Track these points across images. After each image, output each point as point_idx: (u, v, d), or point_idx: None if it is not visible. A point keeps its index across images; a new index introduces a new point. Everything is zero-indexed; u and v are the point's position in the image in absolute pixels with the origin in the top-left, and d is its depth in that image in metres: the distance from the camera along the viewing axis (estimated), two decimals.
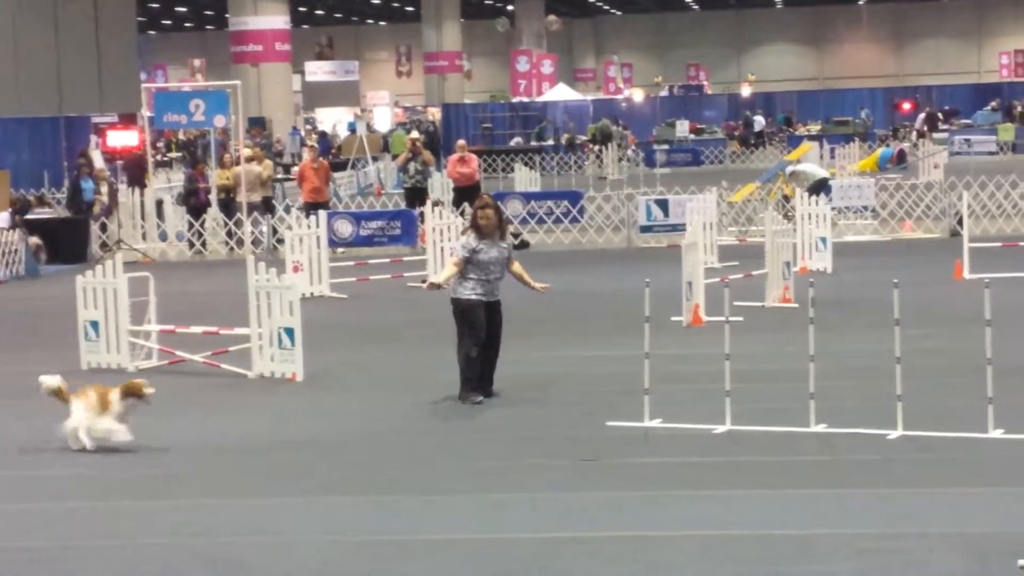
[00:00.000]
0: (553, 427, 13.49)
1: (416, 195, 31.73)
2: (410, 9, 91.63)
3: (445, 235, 24.84)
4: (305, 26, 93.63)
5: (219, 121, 33.63)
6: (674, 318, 19.06)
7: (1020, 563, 8.94)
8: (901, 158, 48.67)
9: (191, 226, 31.81)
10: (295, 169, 43.83)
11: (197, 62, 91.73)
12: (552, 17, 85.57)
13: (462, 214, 28.26)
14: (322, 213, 25.32)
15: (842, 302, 20.28)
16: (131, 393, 13.21)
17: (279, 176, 39.55)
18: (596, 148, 58.80)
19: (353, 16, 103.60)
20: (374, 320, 21.36)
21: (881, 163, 47.61)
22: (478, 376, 14.72)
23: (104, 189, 32.73)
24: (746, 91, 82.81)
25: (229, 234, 31.52)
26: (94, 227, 31.50)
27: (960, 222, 25.48)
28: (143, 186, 34.78)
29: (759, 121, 68.72)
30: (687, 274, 19.24)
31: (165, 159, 52.26)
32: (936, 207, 31.34)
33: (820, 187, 29.39)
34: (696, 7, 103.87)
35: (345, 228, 29.95)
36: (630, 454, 12.36)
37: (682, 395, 14.27)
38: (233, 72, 52.50)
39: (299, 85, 73.51)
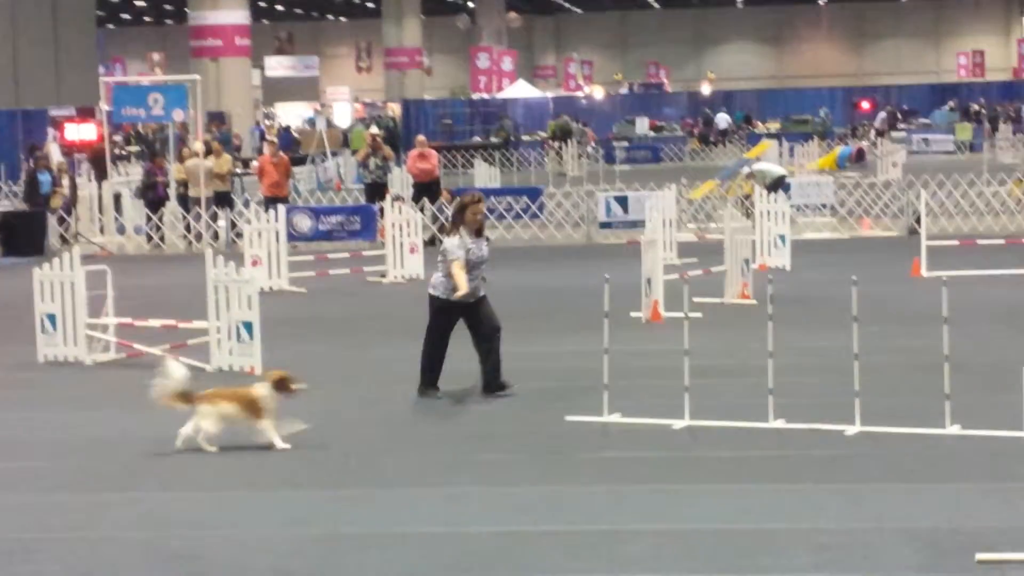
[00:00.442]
0: (512, 421, 13.48)
1: (376, 190, 31.68)
2: (371, 5, 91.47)
3: (404, 230, 24.81)
4: (265, 21, 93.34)
5: (178, 115, 33.52)
6: (633, 314, 19.07)
7: (977, 557, 8.97)
8: (860, 156, 48.90)
9: (149, 220, 31.68)
10: (254, 164, 43.73)
11: (156, 56, 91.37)
12: (513, 14, 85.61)
13: (421, 209, 28.26)
14: (281, 207, 25.25)
15: (801, 299, 20.33)
16: (282, 388, 12.82)
17: (238, 170, 39.39)
18: (556, 145, 58.82)
19: (313, 11, 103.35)
20: (333, 314, 21.30)
21: (840, 161, 47.83)
22: (438, 372, 14.57)
23: (65, 182, 32.54)
24: (706, 89, 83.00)
25: (187, 228, 31.42)
26: (52, 220, 31.34)
27: (918, 220, 25.57)
28: (106, 177, 34.65)
29: (723, 119, 68.85)
30: (646, 270, 19.26)
31: (123, 153, 51.97)
32: (894, 205, 31.47)
33: (778, 184, 29.49)
34: (657, 5, 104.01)
35: (304, 223, 29.89)
36: (589, 448, 12.36)
37: (641, 390, 14.27)
38: (192, 66, 52.22)
39: (259, 80, 73.30)
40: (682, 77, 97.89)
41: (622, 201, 30.69)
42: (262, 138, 66.79)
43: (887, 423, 12.59)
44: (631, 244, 26.34)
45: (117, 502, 11.07)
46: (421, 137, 35.97)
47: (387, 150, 33.11)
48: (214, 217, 31.18)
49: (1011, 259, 23.41)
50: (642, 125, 66.81)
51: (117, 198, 34.10)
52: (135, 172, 41.33)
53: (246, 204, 30.91)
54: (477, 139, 64.18)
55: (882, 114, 66.26)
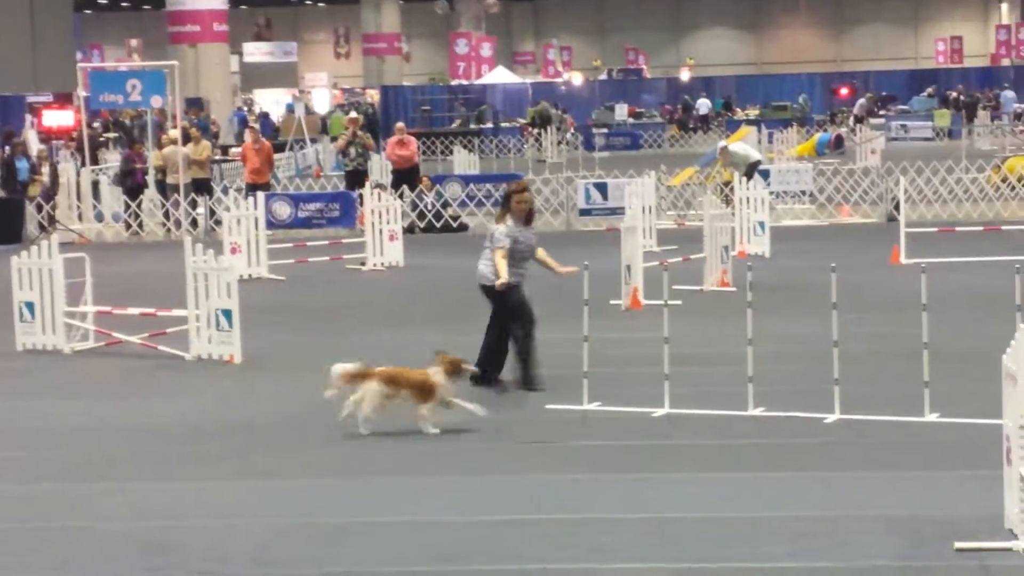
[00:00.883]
0: (492, 410, 13.47)
1: (357, 178, 31.61)
2: None
3: (384, 217, 24.79)
4: (243, 7, 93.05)
5: (156, 101, 33.45)
6: (613, 301, 19.09)
7: (956, 545, 9.00)
8: (839, 143, 48.95)
9: (127, 207, 31.59)
10: (234, 150, 43.66)
11: (134, 42, 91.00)
12: (491, 0, 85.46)
13: (401, 196, 28.23)
14: (260, 195, 25.22)
15: (780, 286, 20.36)
16: (455, 374, 12.81)
17: (217, 157, 39.29)
18: (535, 131, 58.78)
19: None
20: (312, 302, 21.28)
21: (819, 148, 47.90)
22: (500, 364, 14.32)
23: (45, 169, 32.40)
24: (685, 75, 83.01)
25: (166, 215, 31.34)
26: (30, 207, 31.22)
27: (897, 207, 25.62)
28: (95, 163, 34.56)
29: (704, 104, 68.86)
30: (626, 257, 19.27)
31: (101, 139, 51.79)
32: (873, 192, 31.52)
33: (752, 169, 29.58)
34: None
35: (283, 210, 29.86)
36: (569, 437, 12.37)
37: (621, 378, 14.28)
38: (170, 52, 52.05)
39: (237, 66, 73.08)
40: (661, 63, 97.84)
41: (601, 188, 30.70)
42: (243, 124, 66.64)
43: (866, 411, 12.63)
44: (610, 231, 26.36)
45: (97, 492, 11.05)
46: (400, 124, 35.94)
47: (367, 140, 33.00)
48: (193, 204, 31.11)
49: (989, 246, 23.48)
50: (621, 111, 66.78)
51: (95, 185, 34.01)
52: (113, 159, 41.24)
53: (225, 191, 30.84)
54: (457, 124, 64.10)
55: (861, 100, 66.33)
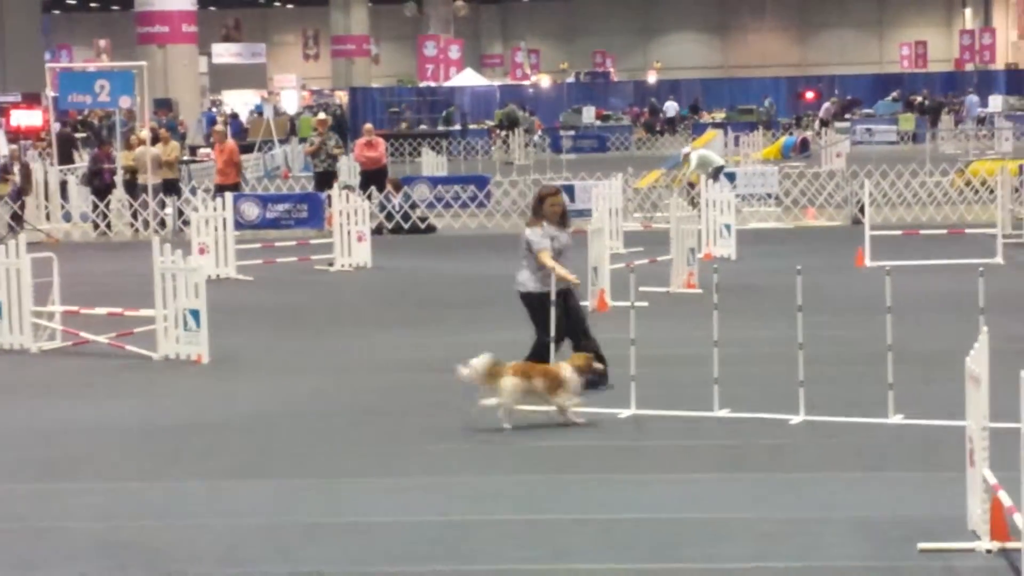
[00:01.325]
0: (457, 412, 13.50)
1: (326, 179, 31.60)
2: None
3: (352, 218, 24.80)
4: (212, 8, 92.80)
5: (124, 102, 33.35)
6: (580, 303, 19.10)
7: (919, 546, 9.08)
8: (804, 146, 49.10)
9: (96, 207, 31.52)
10: (202, 151, 43.60)
11: (103, 42, 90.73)
12: (460, 2, 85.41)
13: (369, 197, 28.24)
14: (228, 195, 25.20)
15: (746, 288, 20.44)
16: (585, 371, 12.92)
17: (185, 158, 39.22)
18: (503, 133, 58.81)
19: None
20: (280, 303, 21.27)
21: (784, 151, 48.02)
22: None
23: (16, 169, 32.26)
24: (652, 78, 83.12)
25: (134, 215, 31.28)
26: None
27: (862, 210, 25.73)
28: (71, 162, 34.45)
29: (671, 107, 68.98)
30: (593, 259, 19.32)
31: (76, 137, 51.64)
32: (838, 195, 31.66)
33: (717, 173, 29.77)
34: None
35: (252, 211, 29.84)
36: (535, 438, 12.40)
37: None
38: (139, 53, 51.90)
39: (205, 67, 72.94)
40: (628, 66, 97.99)
41: (568, 190, 30.72)
42: (212, 125, 66.49)
43: (831, 412, 12.70)
44: (577, 233, 26.39)
45: (64, 491, 11.05)
46: (368, 125, 35.94)
47: (337, 151, 32.82)
48: (161, 205, 31.05)
49: (953, 249, 23.61)
50: (588, 114, 66.87)
51: (63, 185, 33.91)
52: (80, 159, 41.09)
53: (193, 192, 30.80)
54: (424, 127, 64.08)
55: (826, 104, 66.54)
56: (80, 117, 56.38)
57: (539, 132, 60.67)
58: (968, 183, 31.75)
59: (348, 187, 29.58)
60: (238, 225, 26.46)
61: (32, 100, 48.68)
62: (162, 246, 16.65)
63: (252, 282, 23.39)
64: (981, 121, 59.79)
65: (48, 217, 32.93)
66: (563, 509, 10.27)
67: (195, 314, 16.24)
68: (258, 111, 63.34)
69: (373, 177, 31.83)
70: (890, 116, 62.49)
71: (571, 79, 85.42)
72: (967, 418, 9.33)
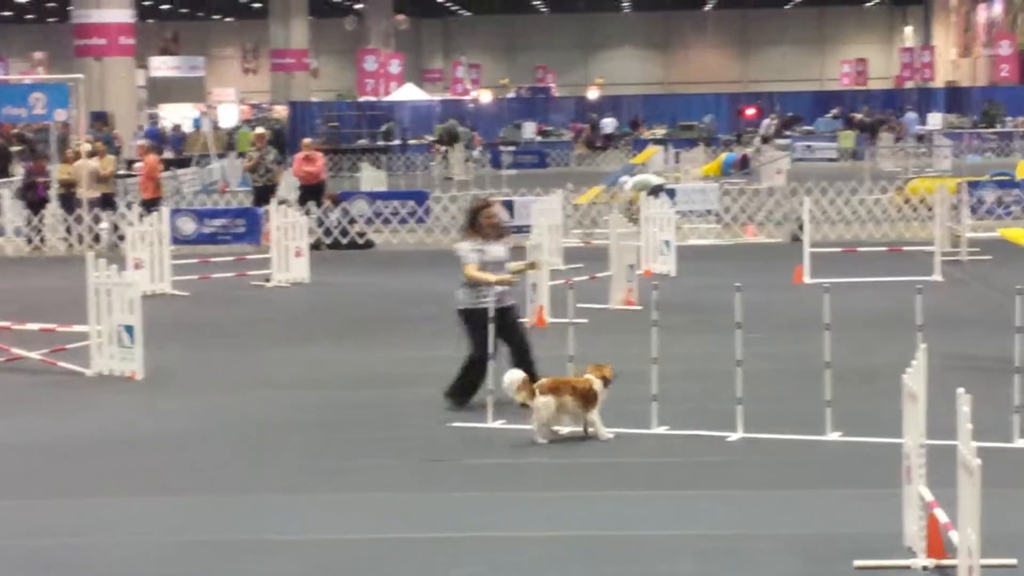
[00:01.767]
0: (396, 428, 13.43)
1: (265, 194, 31.38)
2: (257, 5, 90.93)
3: (289, 234, 24.65)
4: (150, 20, 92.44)
5: (60, 115, 33.08)
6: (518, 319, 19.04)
7: (855, 564, 9.06)
8: (744, 163, 49.23)
9: (29, 221, 31.23)
10: (137, 165, 43.26)
11: (39, 55, 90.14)
12: (401, 16, 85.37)
13: (307, 213, 28.09)
14: (164, 209, 25.02)
15: (685, 305, 20.43)
16: (608, 381, 12.87)
17: (121, 172, 38.94)
18: (443, 149, 58.72)
19: (199, 11, 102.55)
20: (216, 319, 21.12)
21: (725, 168, 48.09)
22: (473, 387, 14.00)
23: None
24: (593, 94, 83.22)
25: (68, 230, 31.01)
26: None
27: (801, 227, 25.77)
28: (7, 176, 34.13)
29: (610, 123, 69.09)
30: (532, 275, 19.25)
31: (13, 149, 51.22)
32: (778, 212, 31.74)
33: (656, 192, 29.86)
34: (545, 10, 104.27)
35: (188, 225, 29.63)
36: (473, 455, 12.34)
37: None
38: (76, 66, 51.54)
39: (143, 80, 72.56)
40: (570, 82, 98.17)
41: (508, 206, 30.65)
42: (155, 139, 66.04)
43: (769, 429, 12.69)
44: (517, 249, 26.36)
45: None
46: (307, 140, 35.77)
47: (273, 163, 32.60)
48: (96, 219, 30.80)
49: (892, 266, 23.69)
50: (529, 130, 66.88)
51: None
52: (16, 172, 40.74)
53: (129, 206, 30.55)
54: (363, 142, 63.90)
55: (766, 120, 66.80)
56: (15, 131, 55.93)
57: (479, 147, 60.63)
58: (907, 201, 31.89)
59: (284, 202, 29.39)
60: (174, 240, 26.27)
61: None
62: (97, 261, 16.48)
63: (188, 298, 23.21)
64: (920, 139, 60.18)
65: None
66: (500, 526, 10.20)
67: (130, 330, 16.08)
68: (196, 125, 62.98)
69: (312, 192, 31.68)
70: (830, 133, 62.79)
71: (512, 94, 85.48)
72: (904, 435, 9.33)
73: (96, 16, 54.42)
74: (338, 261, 27.70)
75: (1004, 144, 58.61)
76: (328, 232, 29.98)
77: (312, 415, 14.12)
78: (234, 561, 9.54)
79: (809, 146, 59.36)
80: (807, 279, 22.73)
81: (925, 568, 8.95)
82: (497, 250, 14.19)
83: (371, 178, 42.65)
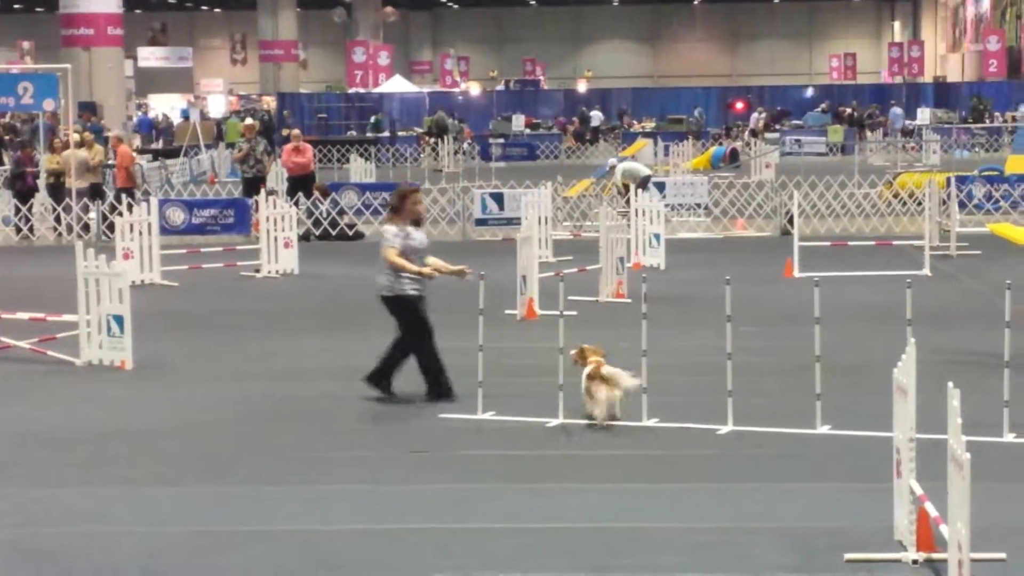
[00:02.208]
0: (385, 419, 13.43)
1: (254, 185, 31.35)
2: None
3: (279, 225, 24.63)
4: (138, 11, 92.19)
5: (48, 105, 32.98)
6: (508, 311, 19.08)
7: (846, 557, 9.07)
8: (733, 157, 49.29)
9: (18, 211, 31.17)
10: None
11: (26, 44, 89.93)
12: (389, 8, 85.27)
13: (296, 204, 28.08)
14: (154, 199, 25.00)
15: (675, 298, 20.44)
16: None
17: (110, 162, 38.86)
18: (432, 141, 58.70)
19: (187, 2, 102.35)
20: (205, 309, 21.10)
21: (714, 161, 48.19)
22: (391, 369, 14.11)
23: None
24: (582, 87, 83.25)
25: (57, 219, 30.96)
26: None
27: (791, 221, 25.82)
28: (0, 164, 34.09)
29: (597, 116, 69.09)
30: (521, 268, 19.27)
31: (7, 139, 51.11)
32: (767, 206, 31.76)
33: (645, 183, 29.92)
34: (533, 2, 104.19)
35: (177, 216, 29.60)
36: (462, 446, 12.33)
37: (516, 388, 14.26)
38: (63, 56, 51.46)
39: (131, 70, 72.41)
40: (559, 75, 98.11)
41: (498, 198, 30.69)
42: (149, 128, 65.91)
43: (759, 423, 12.70)
44: (507, 241, 26.37)
45: None
46: (296, 131, 35.73)
47: (263, 154, 32.54)
48: (85, 209, 30.75)
49: (881, 260, 23.72)
50: (518, 122, 66.88)
51: None
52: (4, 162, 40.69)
53: (117, 196, 30.50)
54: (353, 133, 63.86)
55: (755, 114, 66.85)
56: (3, 120, 55.84)
57: (468, 140, 60.62)
58: (896, 195, 31.94)
59: (273, 192, 29.36)
60: (163, 230, 26.24)
61: None
62: (86, 250, 16.45)
63: (177, 288, 23.18)
64: (908, 134, 60.23)
65: None
66: (490, 518, 10.19)
67: (119, 320, 16.07)
68: (184, 115, 62.87)
69: (300, 183, 31.65)
70: (819, 128, 62.82)
71: (501, 87, 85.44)
72: (894, 429, 9.33)
73: (84, 6, 54.33)
74: (327, 252, 27.68)
75: (992, 139, 58.69)
76: (317, 223, 29.96)
77: (301, 406, 14.10)
78: (223, 551, 9.53)
79: (798, 140, 59.38)
80: (797, 273, 22.74)
81: (915, 561, 8.96)
82: (420, 237, 14.22)
83: (360, 170, 42.64)
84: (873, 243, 25.87)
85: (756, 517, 10.10)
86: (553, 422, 12.94)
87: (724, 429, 12.56)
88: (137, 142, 60.69)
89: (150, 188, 37.57)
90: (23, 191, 31.53)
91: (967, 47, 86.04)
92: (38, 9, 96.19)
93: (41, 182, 32.25)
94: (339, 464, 11.84)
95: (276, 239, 24.62)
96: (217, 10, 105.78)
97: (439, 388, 14.01)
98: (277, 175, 36.28)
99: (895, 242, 25.93)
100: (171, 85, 78.70)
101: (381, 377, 14.18)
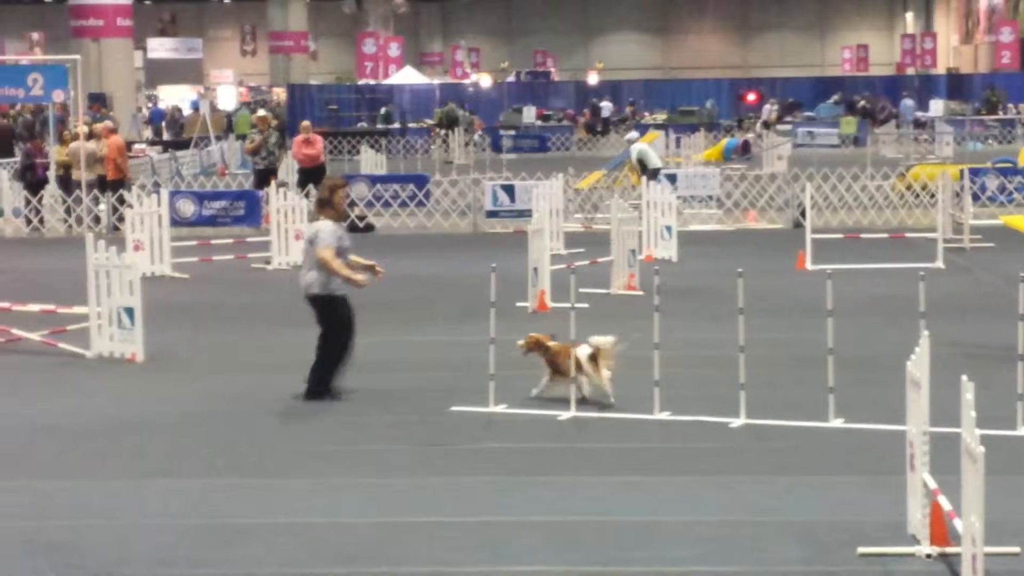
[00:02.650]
0: (397, 412, 13.40)
1: (266, 177, 31.29)
2: None
3: (289, 216, 24.61)
4: (147, 2, 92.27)
5: (58, 96, 32.96)
6: (520, 304, 19.03)
7: (859, 550, 9.03)
8: (746, 149, 49.20)
9: (28, 202, 31.17)
10: (137, 147, 43.26)
11: (36, 36, 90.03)
12: (399, 0, 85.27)
13: (306, 195, 28.04)
14: (164, 191, 25.01)
15: (686, 291, 20.40)
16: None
17: None
18: (443, 132, 58.64)
19: None
20: (216, 301, 21.07)
21: (726, 153, 48.11)
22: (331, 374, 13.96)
23: None
24: (593, 79, 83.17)
25: (68, 211, 30.95)
26: None
27: (803, 213, 25.74)
28: (11, 155, 34.02)
29: (607, 107, 69.03)
30: (533, 260, 19.23)
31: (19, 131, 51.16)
32: (779, 198, 31.68)
33: (653, 175, 29.92)
34: None
35: (188, 207, 29.58)
36: (474, 440, 12.31)
37: (527, 381, 14.20)
38: (73, 47, 51.51)
39: (141, 62, 72.47)
40: (570, 66, 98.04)
41: (509, 190, 30.64)
42: (161, 119, 65.84)
43: (772, 416, 12.66)
44: (518, 233, 26.34)
45: None
46: (306, 122, 35.69)
47: (276, 146, 32.46)
48: (95, 201, 30.73)
49: (894, 253, 23.67)
50: (529, 114, 66.79)
51: None
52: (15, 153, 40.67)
53: (129, 188, 30.48)
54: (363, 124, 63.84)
55: (767, 106, 66.74)
56: (13, 111, 55.87)
57: (479, 131, 60.56)
58: (909, 187, 31.84)
59: (283, 184, 29.33)
60: (174, 222, 26.23)
61: None
62: (96, 243, 16.43)
63: (188, 280, 23.17)
64: (921, 125, 60.09)
65: None
66: (501, 511, 10.17)
67: (130, 312, 16.04)
68: (194, 107, 62.87)
69: (311, 175, 31.60)
70: (831, 119, 62.68)
71: (512, 78, 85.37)
72: (907, 422, 9.29)
73: None
74: None
75: (1006, 131, 58.51)
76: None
77: (312, 399, 14.05)
78: (233, 544, 9.51)
79: (810, 132, 59.23)
80: (809, 265, 22.68)
81: (929, 556, 8.92)
82: (348, 236, 14.12)
83: (371, 161, 42.62)
84: (886, 236, 25.79)
85: (769, 511, 10.07)
86: (565, 415, 12.91)
87: (737, 422, 12.52)
88: (148, 133, 60.75)
89: (160, 180, 37.53)
90: (33, 183, 31.51)
91: (980, 38, 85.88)
92: (48, 0, 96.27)
93: (51, 174, 32.22)
94: (350, 457, 11.81)
95: (287, 231, 24.60)
96: (227, 1, 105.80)
97: (319, 392, 13.79)
98: (288, 167, 36.24)
99: (908, 234, 25.86)
100: (181, 76, 78.80)
101: (322, 388, 13.87)
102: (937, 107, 63.50)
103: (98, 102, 52.58)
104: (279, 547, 9.42)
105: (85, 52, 49.18)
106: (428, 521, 9.95)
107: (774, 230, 29.40)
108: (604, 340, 13.24)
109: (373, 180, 33.80)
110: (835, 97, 68.47)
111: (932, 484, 8.93)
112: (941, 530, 8.94)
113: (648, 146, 33.80)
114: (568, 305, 13.62)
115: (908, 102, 64.85)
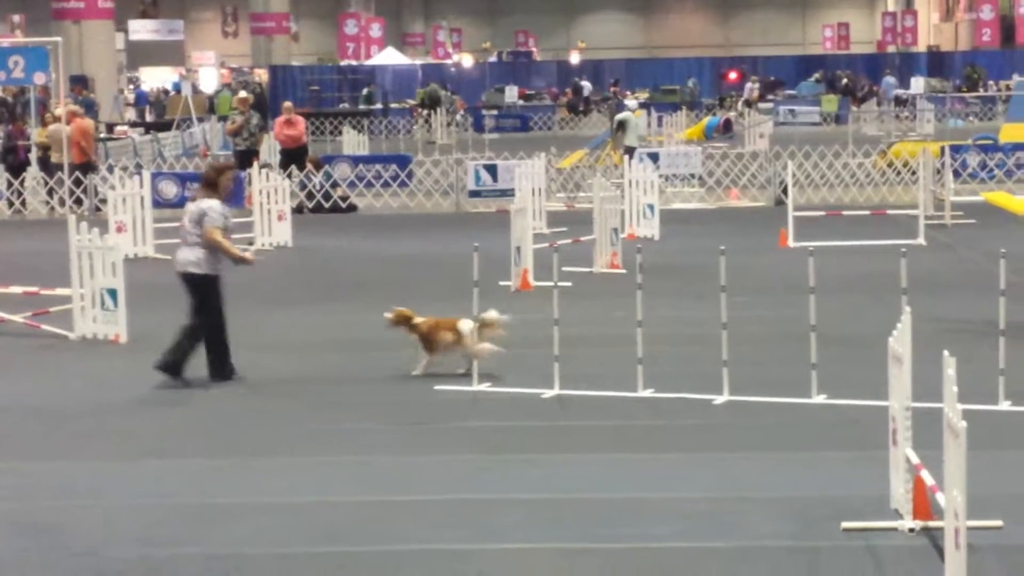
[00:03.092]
0: (381, 391, 13.41)
1: (247, 158, 31.24)
2: None
3: (272, 197, 24.59)
4: None
5: (39, 78, 32.89)
6: (502, 283, 19.04)
7: (843, 525, 9.07)
8: (727, 127, 49.21)
9: (10, 185, 31.08)
10: (119, 128, 43.14)
11: (16, 18, 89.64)
12: None
13: (289, 176, 28.03)
14: (146, 173, 24.97)
15: (669, 269, 20.43)
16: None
17: (102, 136, 38.78)
18: (425, 113, 58.58)
19: None
20: None
21: (708, 132, 48.10)
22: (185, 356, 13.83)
23: None
24: (575, 58, 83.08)
25: (50, 193, 30.87)
26: None
27: (785, 191, 25.78)
28: None
29: (587, 86, 69.00)
30: (516, 239, 19.24)
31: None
32: (761, 176, 31.71)
33: (629, 152, 30.05)
34: None
35: (170, 189, 29.53)
36: (458, 418, 12.33)
37: (510, 360, 14.22)
38: (54, 29, 51.33)
39: (122, 44, 72.23)
40: (551, 46, 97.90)
41: (491, 170, 30.64)
42: (147, 101, 65.63)
43: (754, 392, 12.70)
44: (500, 213, 26.34)
45: None
46: (288, 103, 35.62)
47: (257, 127, 32.38)
48: (77, 183, 30.65)
49: (875, 230, 23.71)
50: (511, 94, 66.76)
51: None
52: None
53: (110, 169, 30.43)
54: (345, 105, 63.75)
55: (749, 84, 66.75)
56: None
57: (461, 111, 60.51)
58: (890, 164, 31.89)
59: (266, 165, 29.29)
60: (156, 204, 26.18)
61: None
62: (79, 224, 16.40)
63: (171, 261, 23.05)
64: (902, 103, 60.16)
65: None
66: (486, 489, 10.19)
67: (113, 293, 16.03)
68: (176, 89, 62.66)
69: (293, 156, 31.57)
70: (813, 97, 62.72)
71: (493, 58, 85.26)
72: (890, 398, 9.33)
73: None
74: (321, 225, 27.64)
75: (986, 108, 58.63)
76: (311, 196, 29.91)
77: (296, 379, 14.09)
78: (220, 524, 9.52)
79: (792, 110, 59.27)
80: (791, 243, 22.72)
81: (911, 530, 8.97)
82: (231, 216, 14.19)
83: (353, 142, 42.56)
84: (867, 213, 25.85)
85: (752, 486, 10.10)
86: (548, 393, 12.93)
87: (720, 399, 12.56)
88: (130, 115, 60.61)
89: (142, 162, 37.45)
90: (15, 165, 31.42)
91: (960, 16, 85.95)
92: None
93: (33, 156, 32.13)
94: (336, 436, 11.83)
95: (269, 212, 24.58)
96: None
97: (223, 369, 13.84)
98: (270, 148, 36.19)
99: (889, 211, 25.92)
100: (163, 58, 78.51)
101: (176, 366, 13.78)
102: (918, 84, 63.55)
103: (80, 84, 52.42)
104: (265, 526, 9.43)
105: (66, 34, 49.06)
106: (413, 499, 9.97)
107: (756, 208, 29.44)
108: (492, 314, 13.64)
109: (355, 160, 33.78)
110: (816, 75, 68.50)
111: (915, 459, 8.97)
112: (924, 504, 8.98)
113: (635, 120, 33.96)
114: (551, 284, 13.64)
115: (889, 79, 64.90)
